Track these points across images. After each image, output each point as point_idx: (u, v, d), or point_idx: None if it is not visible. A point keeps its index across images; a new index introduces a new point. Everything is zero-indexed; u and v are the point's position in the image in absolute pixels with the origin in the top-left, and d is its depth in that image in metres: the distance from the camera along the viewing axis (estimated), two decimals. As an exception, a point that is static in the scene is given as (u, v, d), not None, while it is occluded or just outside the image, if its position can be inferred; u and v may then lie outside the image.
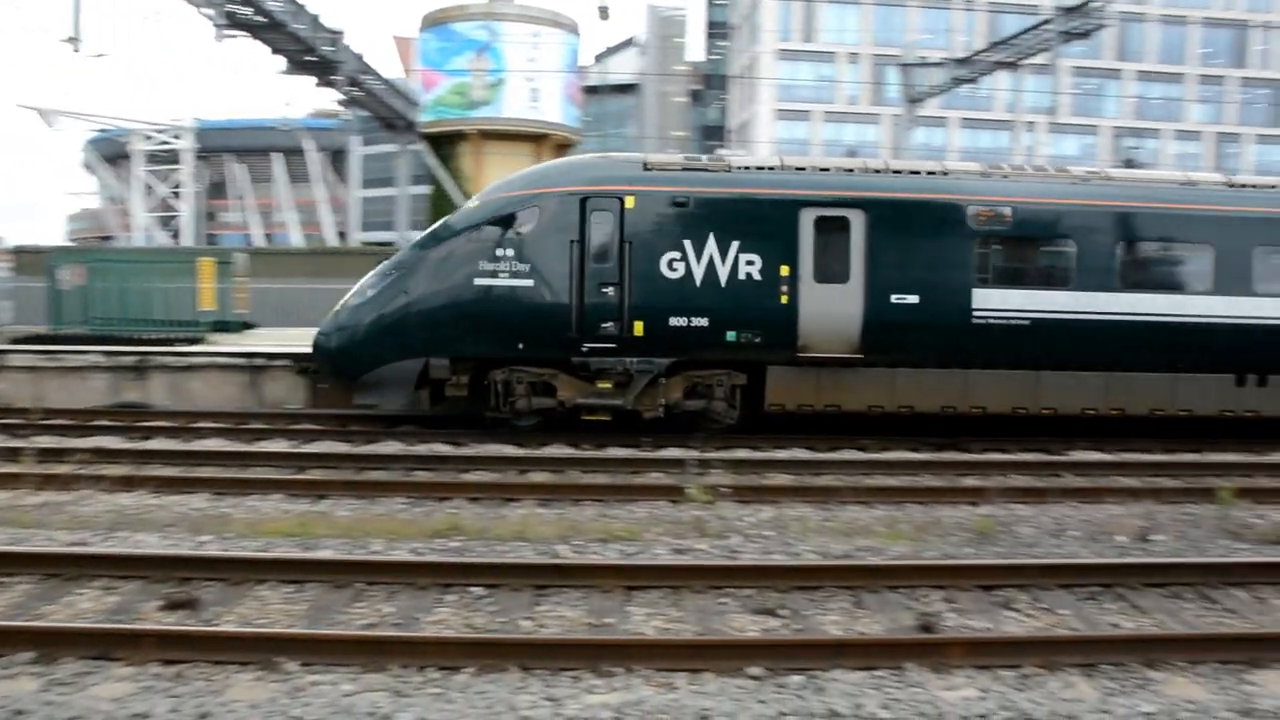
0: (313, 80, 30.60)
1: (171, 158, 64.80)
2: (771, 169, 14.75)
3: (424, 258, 14.18)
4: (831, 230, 14.21)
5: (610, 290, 13.85)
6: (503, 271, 13.79)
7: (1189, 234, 15.04)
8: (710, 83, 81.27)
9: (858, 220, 14.25)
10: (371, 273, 14.73)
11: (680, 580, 7.57)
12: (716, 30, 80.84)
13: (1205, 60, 67.35)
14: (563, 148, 49.94)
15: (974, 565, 7.90)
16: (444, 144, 44.62)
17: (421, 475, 11.75)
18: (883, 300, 14.20)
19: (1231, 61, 67.59)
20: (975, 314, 14.40)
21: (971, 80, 28.34)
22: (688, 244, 13.95)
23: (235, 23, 25.03)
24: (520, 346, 13.97)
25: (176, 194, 64.84)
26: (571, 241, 13.84)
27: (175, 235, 63.76)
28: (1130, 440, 14.72)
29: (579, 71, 52.77)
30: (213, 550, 8.19)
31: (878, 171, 14.97)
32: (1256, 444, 14.91)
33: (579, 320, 13.84)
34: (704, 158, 15.07)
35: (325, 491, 10.72)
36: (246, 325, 22.84)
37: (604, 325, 13.84)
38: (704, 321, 13.93)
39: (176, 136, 64.96)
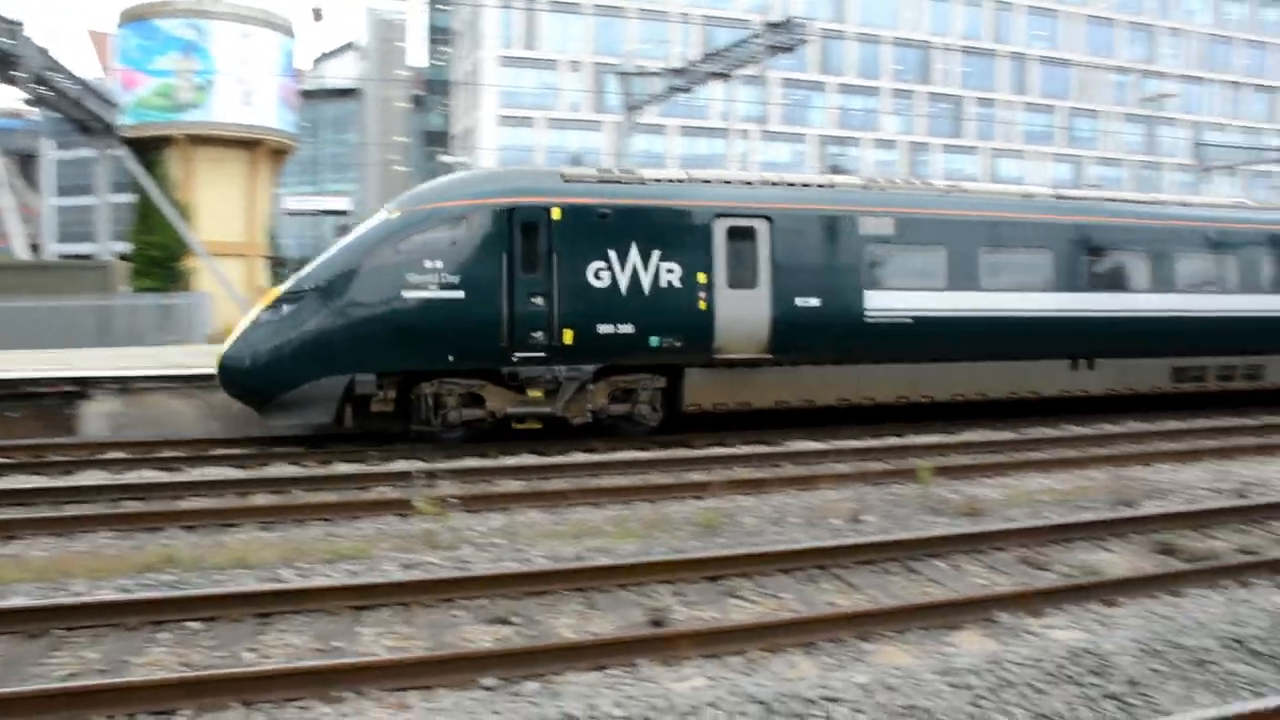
0: (-9, 78, 27.90)
1: None
2: (680, 181, 15.58)
3: (346, 271, 13.75)
4: (742, 239, 15.11)
5: (540, 300, 14.01)
6: (432, 283, 13.65)
7: (1032, 240, 17.29)
8: (433, 88, 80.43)
9: (764, 230, 15.24)
10: (283, 288, 14.15)
11: (410, 596, 7.40)
12: (438, 36, 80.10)
13: (897, 76, 73.02)
14: (279, 153, 47.90)
15: (700, 558, 8.16)
16: (149, 149, 41.60)
17: (131, 505, 10.90)
18: (788, 304, 15.26)
19: (919, 78, 73.63)
20: (867, 314, 15.78)
21: (687, 89, 29.36)
22: (612, 254, 14.35)
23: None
24: (450, 358, 13.87)
25: None
26: (501, 253, 13.91)
27: None
28: (840, 428, 15.73)
29: (295, 75, 50.72)
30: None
31: (774, 184, 16.12)
32: (952, 424, 16.31)
33: (510, 330, 13.92)
34: (615, 169, 15.57)
35: (15, 532, 9.72)
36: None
37: (534, 334, 13.99)
38: (630, 328, 14.39)
39: None
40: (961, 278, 16.52)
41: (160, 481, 12.05)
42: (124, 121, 39.62)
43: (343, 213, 58.76)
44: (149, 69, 43.35)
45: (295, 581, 7.86)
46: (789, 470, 12.70)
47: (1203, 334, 18.45)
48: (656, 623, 6.93)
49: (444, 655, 6.29)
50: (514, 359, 13.99)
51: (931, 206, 16.76)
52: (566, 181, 14.68)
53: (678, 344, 14.64)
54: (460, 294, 13.73)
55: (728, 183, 15.87)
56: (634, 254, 14.44)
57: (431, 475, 11.26)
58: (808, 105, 69.58)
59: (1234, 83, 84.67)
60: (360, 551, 8.81)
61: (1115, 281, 17.96)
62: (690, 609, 7.38)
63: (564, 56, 66.32)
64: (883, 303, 15.86)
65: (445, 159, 61.98)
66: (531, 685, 6.02)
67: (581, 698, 5.73)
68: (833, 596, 7.76)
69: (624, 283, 14.39)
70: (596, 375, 14.50)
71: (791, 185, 16.22)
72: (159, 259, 41.26)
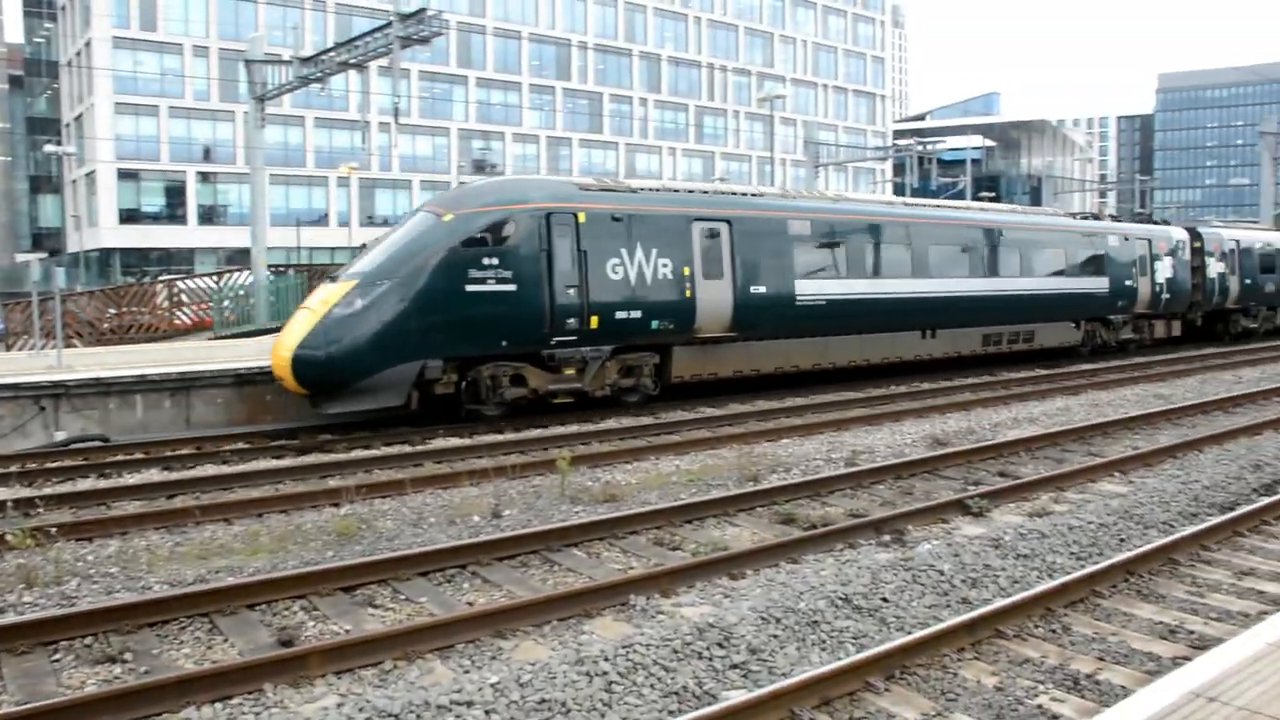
0: None
1: None
2: (658, 190, 18.84)
3: (416, 267, 15.15)
4: (712, 238, 18.31)
5: (573, 291, 16.29)
6: (490, 278, 15.46)
7: (897, 237, 21.79)
8: (37, 69, 72.67)
9: (726, 231, 18.54)
10: (346, 285, 15.17)
11: (-2, 644, 6.57)
12: (39, 9, 72.29)
13: (536, 71, 74.27)
14: None
15: (332, 568, 7.82)
16: None
17: None
18: (746, 291, 18.67)
19: (557, 74, 75.28)
20: (798, 299, 19.56)
21: (320, 79, 28.19)
22: (624, 251, 16.96)
23: None
24: (504, 344, 15.81)
25: None
26: (542, 251, 16.00)
27: None
28: (480, 424, 15.85)
29: None
30: None
31: (728, 194, 20.09)
32: (593, 414, 16.86)
33: (550, 317, 16.04)
34: (608, 180, 18.39)
35: None
36: None
37: (569, 321, 16.25)
38: (638, 314, 17.09)
39: None
40: (856, 268, 20.83)
41: None
42: None
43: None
44: None
45: None
46: (429, 469, 12.51)
47: (1001, 310, 24.07)
48: (285, 642, 6.58)
49: (33, 710, 5.58)
50: (552, 343, 16.18)
51: (831, 211, 20.88)
52: (582, 190, 17.23)
53: (670, 326, 17.56)
54: (513, 287, 15.67)
55: (690, 192, 19.49)
56: (639, 252, 17.15)
57: (30, 502, 10.10)
58: (449, 99, 69.26)
59: (839, 88, 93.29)
60: (-71, 603, 7.71)
61: (950, 271, 22.84)
62: (323, 624, 7.06)
63: (188, 40, 62.04)
64: (808, 289, 19.72)
65: (54, 149, 56.06)
66: (142, 728, 5.52)
67: (198, 734, 5.33)
68: (471, 596, 7.69)
69: (633, 276, 17.02)
70: (610, 355, 17.04)
71: (736, 194, 20.17)
72: None
